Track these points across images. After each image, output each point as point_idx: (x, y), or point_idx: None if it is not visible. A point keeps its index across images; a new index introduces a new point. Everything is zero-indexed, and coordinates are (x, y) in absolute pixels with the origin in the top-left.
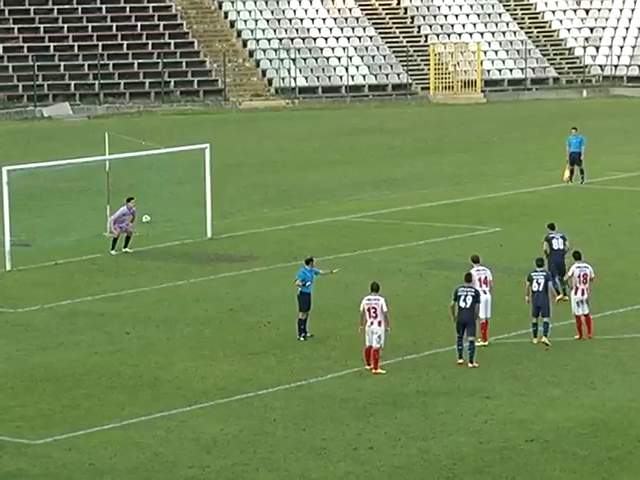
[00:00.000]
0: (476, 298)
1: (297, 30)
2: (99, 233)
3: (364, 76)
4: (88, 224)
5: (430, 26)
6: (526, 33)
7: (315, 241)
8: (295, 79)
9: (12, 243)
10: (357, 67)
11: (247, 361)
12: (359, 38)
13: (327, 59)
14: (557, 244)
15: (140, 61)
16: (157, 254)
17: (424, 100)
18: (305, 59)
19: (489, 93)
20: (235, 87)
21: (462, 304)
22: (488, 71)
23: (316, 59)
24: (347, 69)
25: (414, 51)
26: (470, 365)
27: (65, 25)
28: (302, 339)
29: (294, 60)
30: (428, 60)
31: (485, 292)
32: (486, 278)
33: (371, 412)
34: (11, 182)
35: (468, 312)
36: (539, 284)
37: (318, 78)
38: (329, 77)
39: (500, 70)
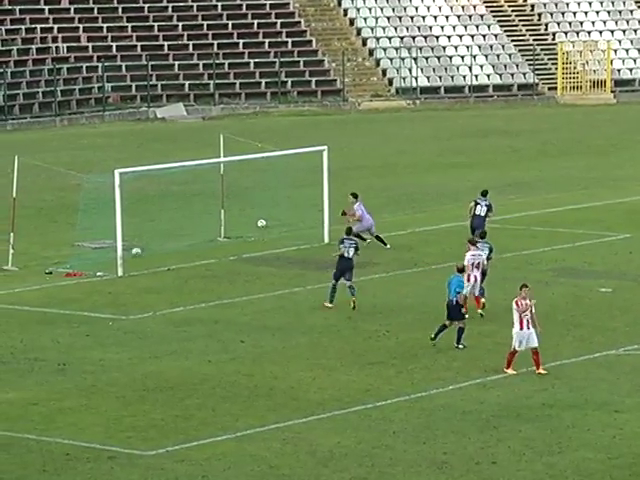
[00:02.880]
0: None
1: (419, 28)
2: (213, 238)
3: (488, 76)
4: (201, 228)
5: (558, 23)
6: None
7: (436, 247)
8: (416, 79)
9: (124, 248)
10: (481, 66)
11: (365, 371)
12: (483, 36)
13: (450, 58)
14: None
15: (256, 60)
16: (273, 260)
17: (551, 101)
18: (427, 58)
19: (619, 93)
20: (354, 87)
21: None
22: (618, 70)
23: (438, 58)
24: (471, 68)
25: (541, 49)
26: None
27: (180, 23)
28: (461, 347)
29: (415, 59)
30: (556, 59)
31: (477, 277)
32: (478, 264)
33: (494, 425)
34: (123, 185)
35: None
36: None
37: (440, 78)
38: (452, 77)
39: (631, 69)
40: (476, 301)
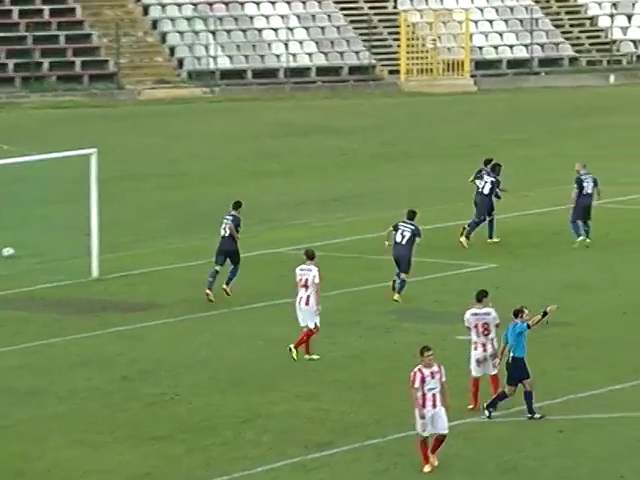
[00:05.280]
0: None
1: None
2: None
3: (310, 55)
4: None
5: None
6: None
7: (239, 282)
8: (215, 59)
9: None
10: (300, 43)
11: (145, 448)
12: (303, 3)
13: (259, 32)
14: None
15: (1, 35)
16: (21, 301)
17: (392, 88)
18: (229, 31)
19: (481, 78)
20: (132, 70)
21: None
22: (480, 49)
23: (244, 32)
24: (287, 45)
25: (379, 21)
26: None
27: None
28: (537, 416)
29: (214, 33)
30: (398, 34)
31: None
32: (307, 280)
33: None
34: None
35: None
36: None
37: (247, 58)
38: (262, 57)
39: (496, 47)
40: (304, 336)
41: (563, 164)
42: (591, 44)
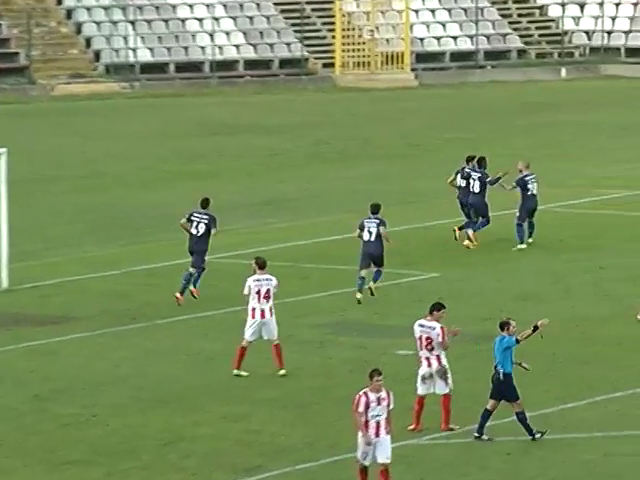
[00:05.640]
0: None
1: None
2: None
3: (237, 47)
4: None
5: None
6: None
7: (162, 293)
8: (135, 52)
9: None
10: (227, 34)
11: (60, 474)
12: None
13: (182, 22)
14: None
15: None
16: None
17: (327, 83)
18: (150, 22)
19: (422, 72)
20: (45, 64)
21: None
22: (421, 40)
23: (166, 22)
24: (212, 37)
25: (312, 10)
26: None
27: None
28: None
29: (133, 23)
30: (333, 24)
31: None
32: (268, 290)
33: None
34: None
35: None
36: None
37: (169, 50)
38: (185, 49)
39: (439, 39)
40: (276, 356)
41: (510, 165)
42: (541, 35)
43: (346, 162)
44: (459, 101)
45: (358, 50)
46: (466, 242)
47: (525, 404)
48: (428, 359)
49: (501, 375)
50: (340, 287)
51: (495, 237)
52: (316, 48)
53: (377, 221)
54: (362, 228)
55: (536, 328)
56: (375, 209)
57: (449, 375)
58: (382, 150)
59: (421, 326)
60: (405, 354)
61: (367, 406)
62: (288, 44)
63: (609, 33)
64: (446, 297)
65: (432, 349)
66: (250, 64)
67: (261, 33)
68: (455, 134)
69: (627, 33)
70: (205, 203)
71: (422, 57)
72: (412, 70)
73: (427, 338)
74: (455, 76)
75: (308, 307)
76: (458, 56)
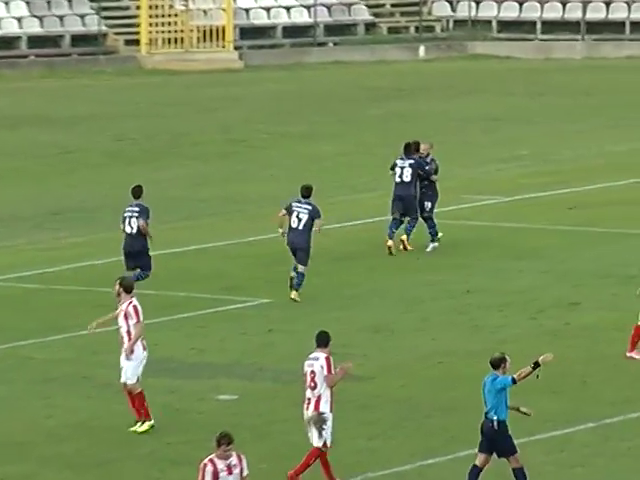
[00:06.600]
0: None
1: None
2: None
3: (19, 20)
4: None
5: None
6: None
7: None
8: None
9: None
10: (6, 4)
11: None
12: None
13: None
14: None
15: None
16: None
17: (130, 64)
18: None
19: (249, 51)
20: None
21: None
22: (247, 11)
23: None
24: None
25: None
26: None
27: None
28: None
29: None
30: None
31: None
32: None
33: None
34: None
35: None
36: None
37: None
38: None
39: (268, 10)
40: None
41: (360, 163)
42: (394, 5)
43: (154, 162)
44: (293, 86)
45: (169, 24)
46: (390, 242)
47: (374, 460)
48: (309, 401)
49: (495, 424)
50: (152, 317)
51: (341, 254)
52: (117, 21)
53: (309, 207)
54: (290, 212)
55: (537, 365)
56: (307, 192)
57: (327, 425)
58: (198, 147)
59: (308, 359)
60: (228, 399)
61: (215, 476)
62: (82, 16)
63: (477, 2)
64: (277, 329)
65: (315, 387)
66: (35, 41)
67: (48, 3)
68: (288, 127)
69: (500, 2)
70: (139, 191)
71: (248, 32)
72: (236, 48)
73: (311, 373)
74: (289, 55)
75: (108, 342)
76: (292, 31)
